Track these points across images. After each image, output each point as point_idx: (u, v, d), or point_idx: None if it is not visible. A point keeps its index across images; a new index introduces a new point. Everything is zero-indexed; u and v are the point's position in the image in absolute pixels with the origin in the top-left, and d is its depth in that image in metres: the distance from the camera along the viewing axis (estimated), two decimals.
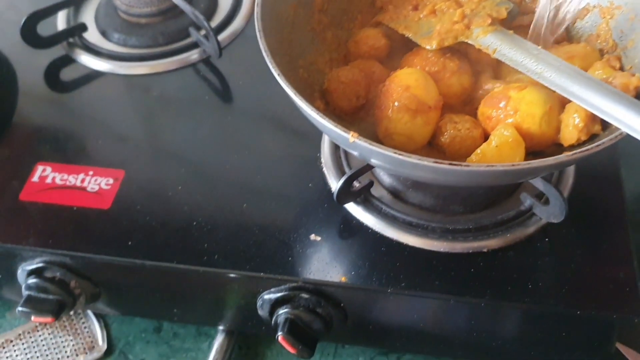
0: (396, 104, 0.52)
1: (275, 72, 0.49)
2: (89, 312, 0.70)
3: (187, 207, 0.62)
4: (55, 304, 0.60)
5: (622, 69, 0.55)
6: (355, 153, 0.51)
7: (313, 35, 0.61)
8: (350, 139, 0.45)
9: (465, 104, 0.57)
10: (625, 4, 0.57)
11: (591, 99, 0.47)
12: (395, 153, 0.44)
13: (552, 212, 0.56)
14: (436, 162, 0.43)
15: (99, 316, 0.70)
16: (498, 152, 0.50)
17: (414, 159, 0.43)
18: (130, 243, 0.59)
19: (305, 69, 0.58)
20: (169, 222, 0.61)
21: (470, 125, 0.53)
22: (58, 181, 0.65)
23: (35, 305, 0.60)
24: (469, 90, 0.57)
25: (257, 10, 0.53)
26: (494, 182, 0.54)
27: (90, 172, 0.65)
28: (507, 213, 0.59)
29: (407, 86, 0.53)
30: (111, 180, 0.65)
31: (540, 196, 0.58)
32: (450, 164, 0.43)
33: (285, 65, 0.54)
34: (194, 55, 0.77)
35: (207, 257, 0.58)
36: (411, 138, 0.53)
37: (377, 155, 0.45)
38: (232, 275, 0.57)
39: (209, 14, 0.80)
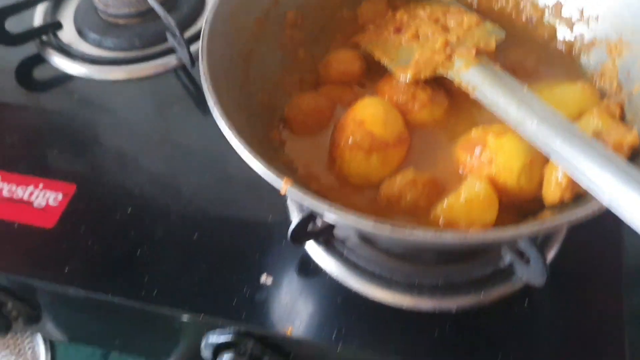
0: (349, 141, 0.46)
1: (210, 101, 0.43)
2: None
3: (134, 233, 0.57)
4: None
5: (623, 117, 0.47)
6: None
7: (283, 53, 0.55)
8: (282, 190, 0.39)
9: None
10: (636, 42, 0.48)
11: (574, 160, 0.39)
12: (329, 210, 0.37)
13: (532, 274, 0.48)
14: (376, 223, 0.36)
15: (46, 338, 0.65)
16: (467, 207, 0.44)
17: (350, 221, 0.37)
18: (67, 269, 0.54)
19: (267, 92, 0.52)
20: (112, 249, 0.56)
21: (427, 189, 0.45)
22: (5, 193, 0.60)
23: None
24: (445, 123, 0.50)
25: (205, 27, 0.47)
26: (447, 248, 0.47)
27: (41, 185, 0.61)
28: (483, 269, 0.52)
29: (361, 121, 0.46)
30: (60, 196, 0.60)
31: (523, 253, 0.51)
32: (392, 226, 0.36)
33: (237, 90, 0.48)
34: (172, 61, 0.72)
35: (145, 292, 0.53)
36: (367, 179, 0.47)
37: (313, 207, 0.39)
38: (168, 313, 0.52)
39: (191, 20, 0.74)
